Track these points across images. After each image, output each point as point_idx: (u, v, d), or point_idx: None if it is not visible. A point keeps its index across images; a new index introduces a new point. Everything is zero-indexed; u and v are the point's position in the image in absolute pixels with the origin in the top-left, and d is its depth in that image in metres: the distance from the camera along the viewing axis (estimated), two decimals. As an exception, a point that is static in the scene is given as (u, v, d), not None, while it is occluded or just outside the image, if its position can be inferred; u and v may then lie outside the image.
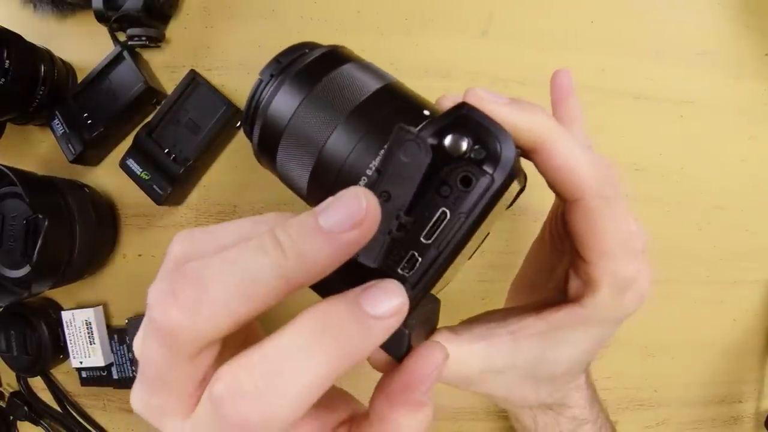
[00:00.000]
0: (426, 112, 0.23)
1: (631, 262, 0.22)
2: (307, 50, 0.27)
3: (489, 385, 0.25)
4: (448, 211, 0.18)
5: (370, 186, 0.16)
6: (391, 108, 0.24)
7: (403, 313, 0.16)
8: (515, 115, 0.20)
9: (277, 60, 0.27)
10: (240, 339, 0.18)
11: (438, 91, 0.26)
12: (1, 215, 0.41)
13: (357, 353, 0.15)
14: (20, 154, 0.47)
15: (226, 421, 0.15)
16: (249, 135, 0.28)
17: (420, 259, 0.18)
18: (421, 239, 0.18)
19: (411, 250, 0.18)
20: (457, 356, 0.22)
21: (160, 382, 0.16)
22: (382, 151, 0.21)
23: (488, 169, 0.18)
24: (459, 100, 0.23)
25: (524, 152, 0.22)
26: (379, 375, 0.19)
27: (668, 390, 0.46)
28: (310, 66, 0.26)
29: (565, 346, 0.25)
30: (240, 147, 0.45)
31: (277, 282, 0.15)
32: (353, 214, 0.15)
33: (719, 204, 0.44)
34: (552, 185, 0.22)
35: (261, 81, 0.27)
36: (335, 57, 0.27)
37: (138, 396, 0.17)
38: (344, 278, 0.16)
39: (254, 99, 0.27)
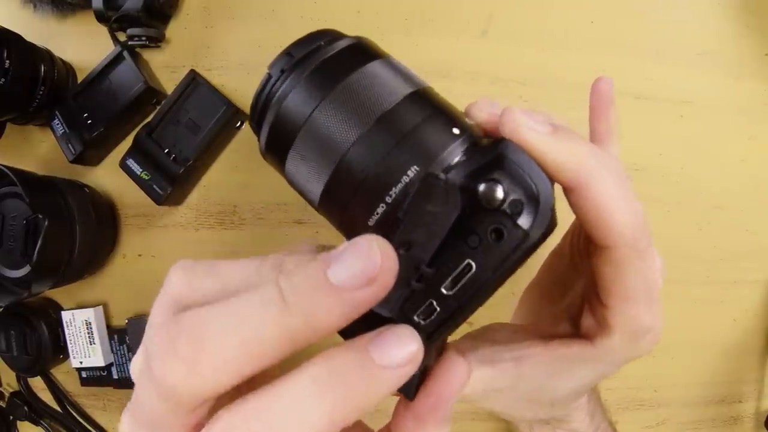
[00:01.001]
0: (455, 131, 0.20)
1: (650, 312, 0.21)
2: (323, 42, 0.23)
3: (488, 403, 0.25)
4: (474, 264, 0.16)
5: (388, 227, 0.15)
6: (418, 121, 0.21)
7: (417, 362, 0.15)
8: (557, 148, 0.18)
9: (288, 53, 0.24)
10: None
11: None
12: (1, 215, 0.41)
13: (363, 404, 0.14)
14: (20, 154, 0.47)
15: None
16: (256, 133, 0.25)
17: (438, 309, 0.17)
18: (442, 289, 0.17)
19: (429, 299, 0.17)
20: None
21: (151, 425, 0.16)
22: (405, 179, 0.19)
23: (523, 222, 0.16)
24: (490, 109, 0.21)
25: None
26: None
27: (668, 390, 0.46)
28: (330, 62, 0.22)
29: (568, 378, 0.24)
30: (240, 147, 0.45)
31: (281, 341, 0.14)
32: (366, 269, 0.14)
33: (719, 204, 0.44)
34: (583, 226, 0.20)
35: (270, 76, 0.23)
36: (360, 53, 0.23)
37: (127, 427, 0.17)
38: (361, 318, 0.15)
39: (261, 97, 0.24)
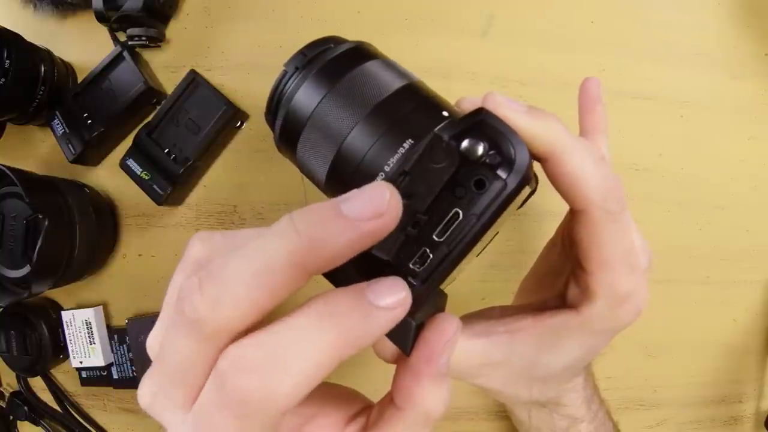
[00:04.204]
0: (445, 113, 0.24)
1: (629, 276, 0.23)
2: (332, 45, 0.28)
3: (485, 380, 0.26)
4: (460, 212, 0.19)
5: (394, 182, 0.17)
6: (411, 107, 0.24)
7: (406, 306, 0.17)
8: (530, 123, 0.21)
9: (302, 52, 0.28)
10: None
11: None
12: (1, 215, 0.41)
13: (359, 339, 0.16)
14: (20, 154, 0.47)
15: (228, 397, 0.15)
16: (271, 125, 0.29)
17: (431, 255, 0.19)
18: (434, 237, 0.19)
19: (423, 247, 0.19)
20: (457, 350, 0.23)
21: (176, 374, 0.17)
22: (401, 150, 0.23)
23: (502, 173, 0.19)
24: (478, 102, 0.23)
25: (536, 159, 0.22)
26: (383, 374, 0.19)
27: (668, 390, 0.46)
28: (335, 61, 0.26)
29: (558, 352, 0.25)
30: (240, 147, 0.45)
31: (291, 267, 0.15)
32: (376, 204, 0.15)
33: (719, 204, 0.44)
34: (560, 193, 0.23)
35: (285, 72, 0.27)
36: (360, 53, 0.27)
37: (147, 389, 0.18)
38: (358, 270, 0.17)
39: (278, 90, 0.27)
